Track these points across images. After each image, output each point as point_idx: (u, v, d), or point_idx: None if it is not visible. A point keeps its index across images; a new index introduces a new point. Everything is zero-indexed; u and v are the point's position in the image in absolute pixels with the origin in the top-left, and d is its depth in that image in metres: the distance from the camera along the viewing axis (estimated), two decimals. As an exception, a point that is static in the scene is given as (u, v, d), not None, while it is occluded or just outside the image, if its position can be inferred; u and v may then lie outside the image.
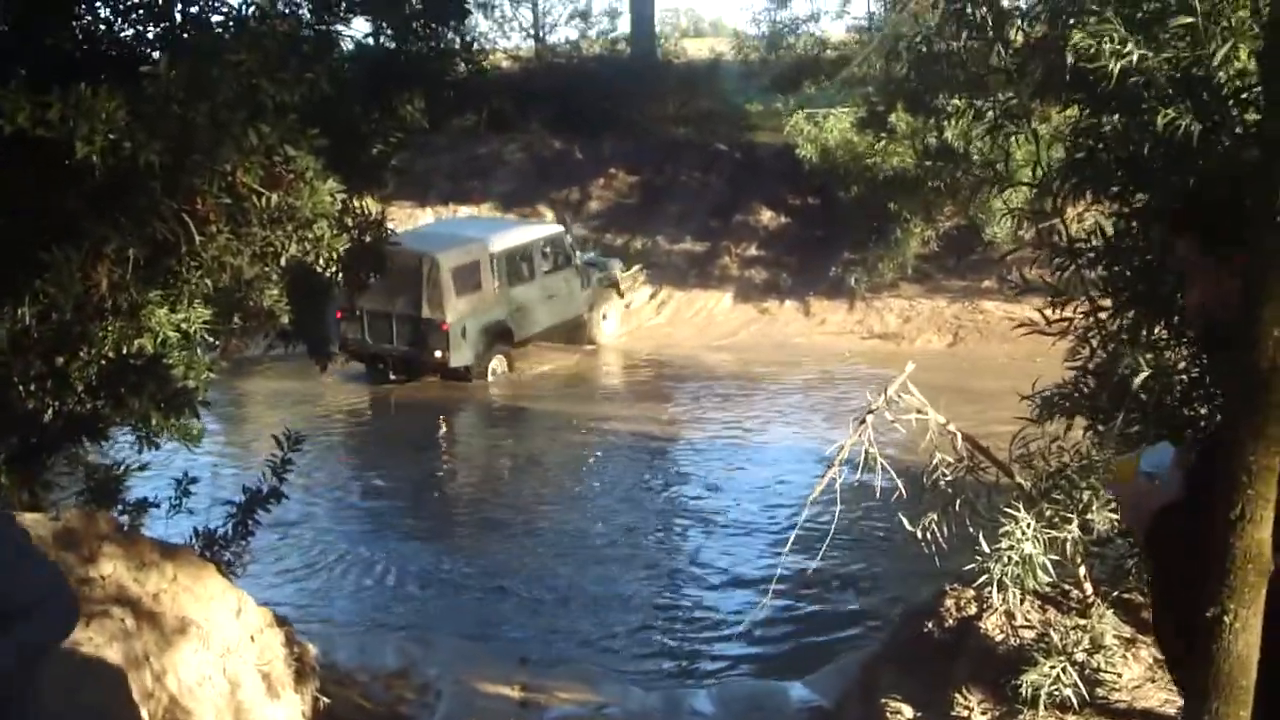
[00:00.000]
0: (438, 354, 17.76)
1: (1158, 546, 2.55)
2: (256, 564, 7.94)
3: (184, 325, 5.74)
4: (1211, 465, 2.43)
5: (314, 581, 11.24)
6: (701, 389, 18.61)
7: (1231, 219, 2.54)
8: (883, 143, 20.83)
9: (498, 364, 18.78)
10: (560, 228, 20.81)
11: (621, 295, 21.87)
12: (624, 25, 32.44)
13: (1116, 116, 5.16)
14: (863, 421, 7.03)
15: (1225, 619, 3.73)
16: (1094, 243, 5.45)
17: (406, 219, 23.94)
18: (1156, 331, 5.11)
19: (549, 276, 19.66)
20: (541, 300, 19.50)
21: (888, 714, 6.04)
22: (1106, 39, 4.67)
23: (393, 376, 18.44)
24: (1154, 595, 2.62)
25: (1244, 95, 4.64)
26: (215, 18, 5.47)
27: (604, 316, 21.30)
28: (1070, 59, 4.96)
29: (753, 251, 23.81)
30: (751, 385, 18.49)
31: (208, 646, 5.13)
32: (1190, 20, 4.53)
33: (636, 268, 23.76)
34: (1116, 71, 4.68)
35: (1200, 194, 2.67)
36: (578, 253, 20.79)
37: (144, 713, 4.42)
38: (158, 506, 7.14)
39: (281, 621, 5.89)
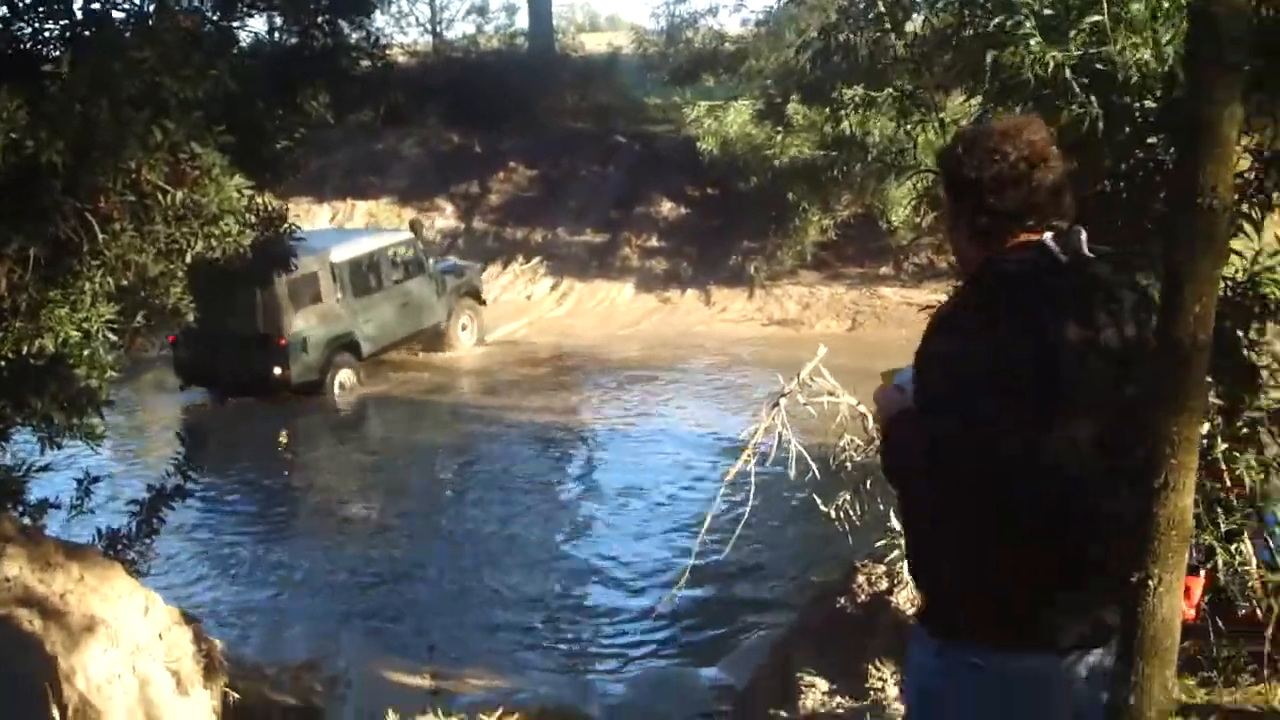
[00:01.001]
0: (277, 371, 16.70)
1: (892, 440, 2.96)
2: (159, 563, 7.86)
3: (86, 324, 5.67)
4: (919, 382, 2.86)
5: (215, 580, 11.10)
6: (603, 380, 18.59)
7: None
8: (780, 134, 21.06)
9: (345, 378, 17.76)
10: (410, 234, 19.79)
11: (483, 303, 21.06)
12: (521, 20, 32.44)
13: (1019, 109, 5.31)
14: (776, 405, 7.14)
15: (1150, 583, 3.87)
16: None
17: (305, 215, 23.72)
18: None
19: (399, 286, 18.76)
20: (392, 311, 18.63)
21: (801, 689, 6.13)
22: (1024, 46, 4.83)
23: (231, 400, 17.38)
24: (890, 480, 3.02)
25: (1145, 86, 4.82)
26: (116, 14, 5.43)
27: (463, 326, 20.34)
28: (989, 60, 5.10)
29: (653, 242, 23.93)
30: (654, 375, 18.46)
31: (116, 645, 5.10)
32: (1098, 18, 4.70)
33: (536, 260, 23.74)
34: (1033, 78, 4.84)
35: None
36: (431, 260, 19.95)
37: (54, 713, 4.40)
38: (59, 507, 7.05)
39: (189, 619, 5.86)
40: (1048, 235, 2.77)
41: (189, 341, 15.64)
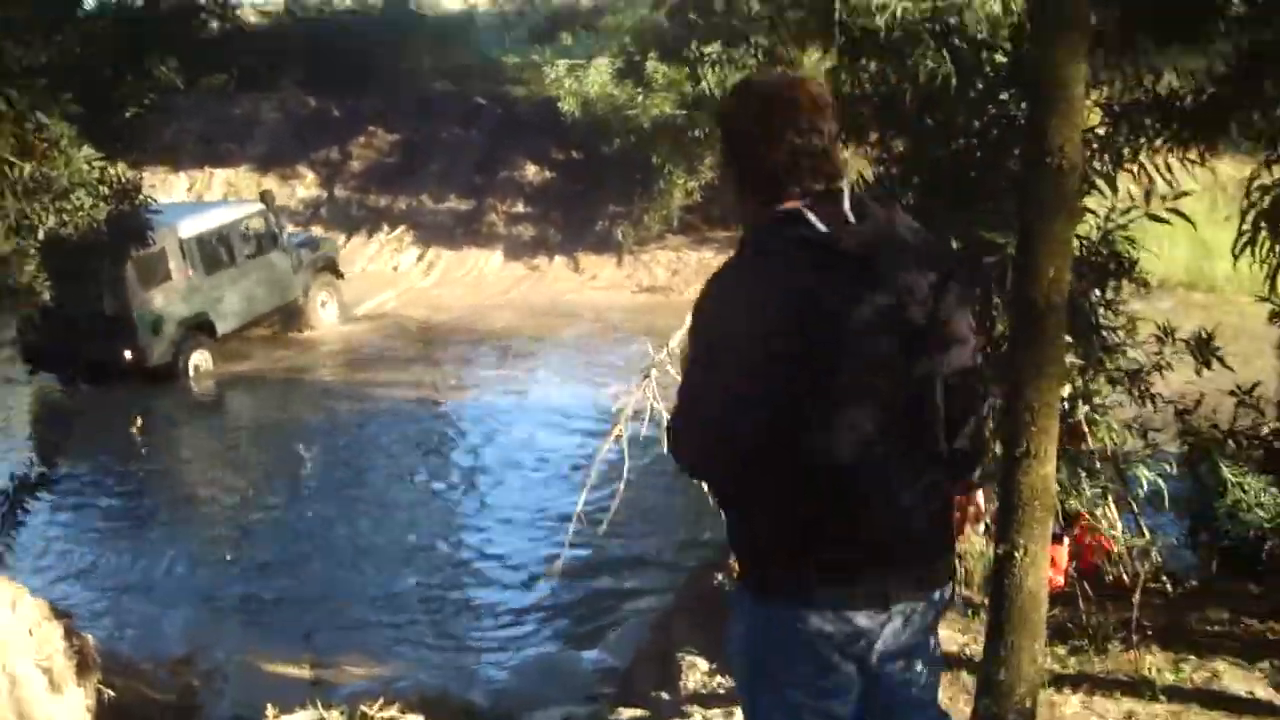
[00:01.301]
0: (128, 354, 16.04)
1: (681, 389, 2.91)
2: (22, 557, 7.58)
3: (-69, 306, 5.42)
4: None
5: (79, 575, 10.73)
6: (473, 353, 18.37)
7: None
8: (642, 94, 20.94)
9: (200, 359, 17.16)
10: (262, 206, 18.77)
11: (341, 276, 20.23)
12: (376, -20, 31.82)
13: (874, 63, 5.27)
14: (646, 376, 7.07)
15: (1015, 555, 3.88)
16: (856, 190, 5.56)
17: (161, 185, 23.05)
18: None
19: (252, 261, 18.01)
20: (247, 287, 17.90)
21: (683, 668, 6.08)
22: (876, -2, 4.78)
23: (82, 385, 16.49)
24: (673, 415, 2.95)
25: (995, 39, 4.81)
26: (-49, -24, 5.15)
27: (322, 303, 19.55)
28: (837, 9, 5.05)
29: (519, 208, 23.69)
30: (525, 346, 18.26)
31: (-19, 644, 4.88)
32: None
33: (401, 229, 23.37)
34: (882, 25, 4.78)
35: None
36: (285, 233, 19.11)
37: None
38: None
39: (59, 613, 5.67)
40: (804, 202, 2.71)
41: (35, 324, 14.60)
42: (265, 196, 19.32)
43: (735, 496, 2.85)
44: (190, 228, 16.93)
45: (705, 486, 2.89)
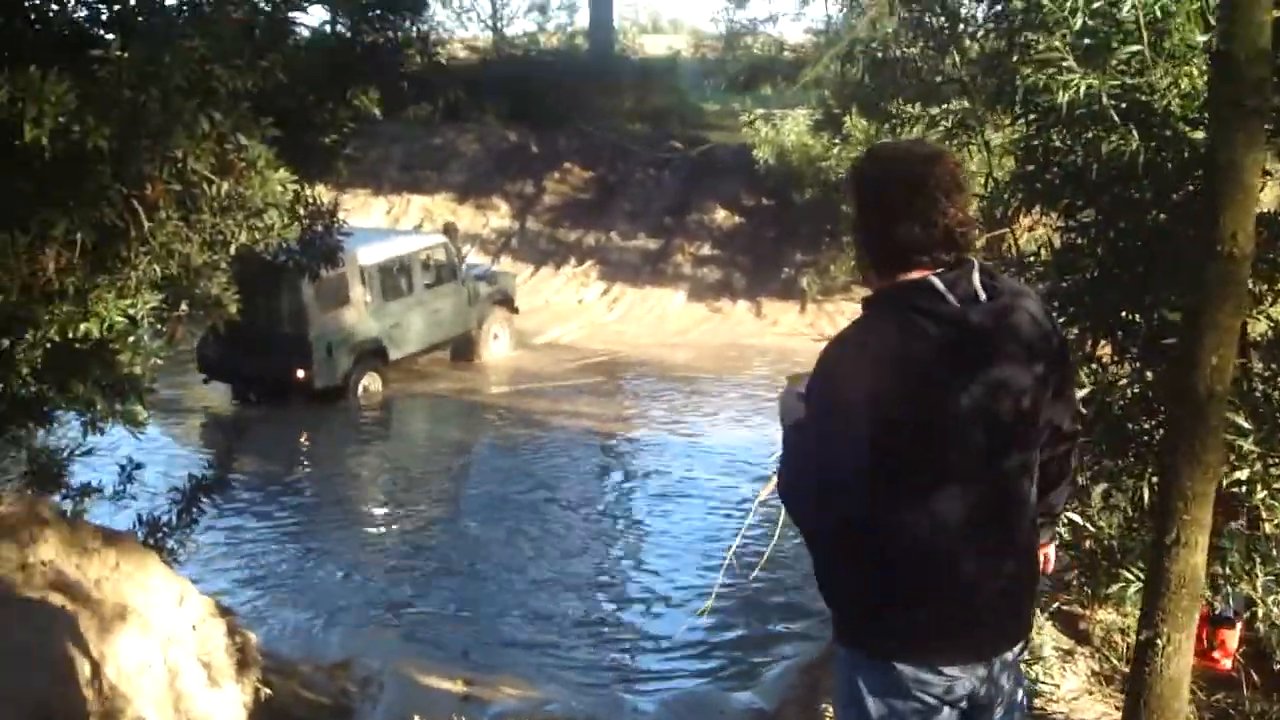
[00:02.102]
0: (300, 373, 16.28)
1: (787, 441, 2.98)
2: (198, 555, 7.88)
3: (131, 310, 5.68)
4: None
5: (248, 577, 11.11)
6: (649, 388, 18.55)
7: None
8: (837, 146, 20.92)
9: (370, 381, 17.36)
10: (443, 238, 19.02)
11: (515, 311, 20.38)
12: (582, 19, 32.52)
13: (1064, 133, 5.20)
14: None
15: (1158, 642, 3.79)
16: (1042, 255, 5.49)
17: (360, 208, 23.84)
18: (1101, 347, 5.17)
19: (430, 291, 18.22)
20: (421, 316, 18.09)
21: (827, 717, 6.06)
22: (1054, 70, 4.72)
23: (252, 398, 17.24)
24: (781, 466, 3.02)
25: (1190, 116, 4.70)
26: (169, 1, 5.43)
27: (494, 335, 19.77)
28: (1020, 87, 5.01)
29: (706, 250, 23.83)
30: (702, 385, 18.40)
31: (148, 634, 5.11)
32: (1137, 48, 4.59)
33: (588, 264, 23.68)
34: (1065, 101, 4.72)
35: None
36: (464, 266, 19.23)
37: (83, 698, 4.39)
38: (101, 492, 7.09)
39: (224, 611, 5.88)
40: (937, 274, 2.73)
41: (215, 336, 14.76)
42: (448, 229, 19.69)
43: (835, 554, 2.90)
44: (371, 255, 17.19)
45: (804, 541, 2.92)
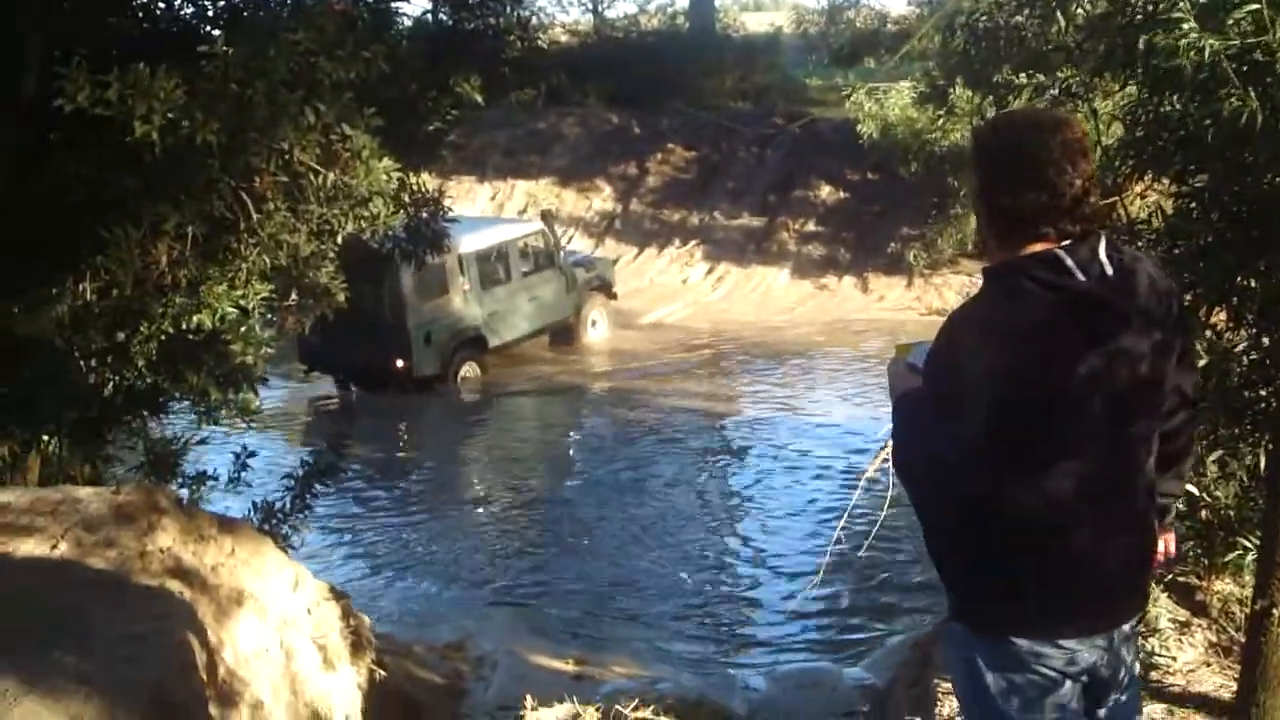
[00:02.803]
0: (400, 363, 16.42)
1: (899, 413, 2.96)
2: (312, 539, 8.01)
3: (242, 301, 5.79)
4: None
5: (368, 557, 11.30)
6: (756, 366, 18.48)
7: None
8: (942, 118, 20.65)
9: (469, 371, 17.46)
10: (541, 225, 18.96)
11: (614, 297, 20.30)
12: (682, 0, 32.37)
13: (1178, 98, 5.07)
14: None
15: (1275, 611, 3.70)
16: (1154, 223, 5.37)
17: (465, 194, 24.05)
18: (1216, 314, 5.04)
19: (529, 278, 18.24)
20: (520, 304, 18.16)
21: (939, 694, 6.00)
22: (1176, 31, 4.59)
23: (353, 388, 17.46)
24: (894, 439, 3.02)
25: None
26: (273, -4, 5.51)
27: (593, 322, 19.71)
28: (1142, 49, 4.88)
29: (810, 227, 23.69)
30: (810, 362, 18.32)
31: (265, 619, 5.18)
32: (1256, 6, 4.45)
33: (692, 243, 23.63)
34: (1188, 64, 4.59)
35: None
36: (562, 253, 19.30)
37: (201, 684, 4.47)
38: (216, 479, 7.22)
39: (339, 595, 5.94)
40: (1062, 247, 2.67)
41: (315, 327, 14.78)
42: (546, 216, 19.63)
43: (951, 529, 2.85)
44: (470, 244, 17.14)
45: (917, 514, 2.88)
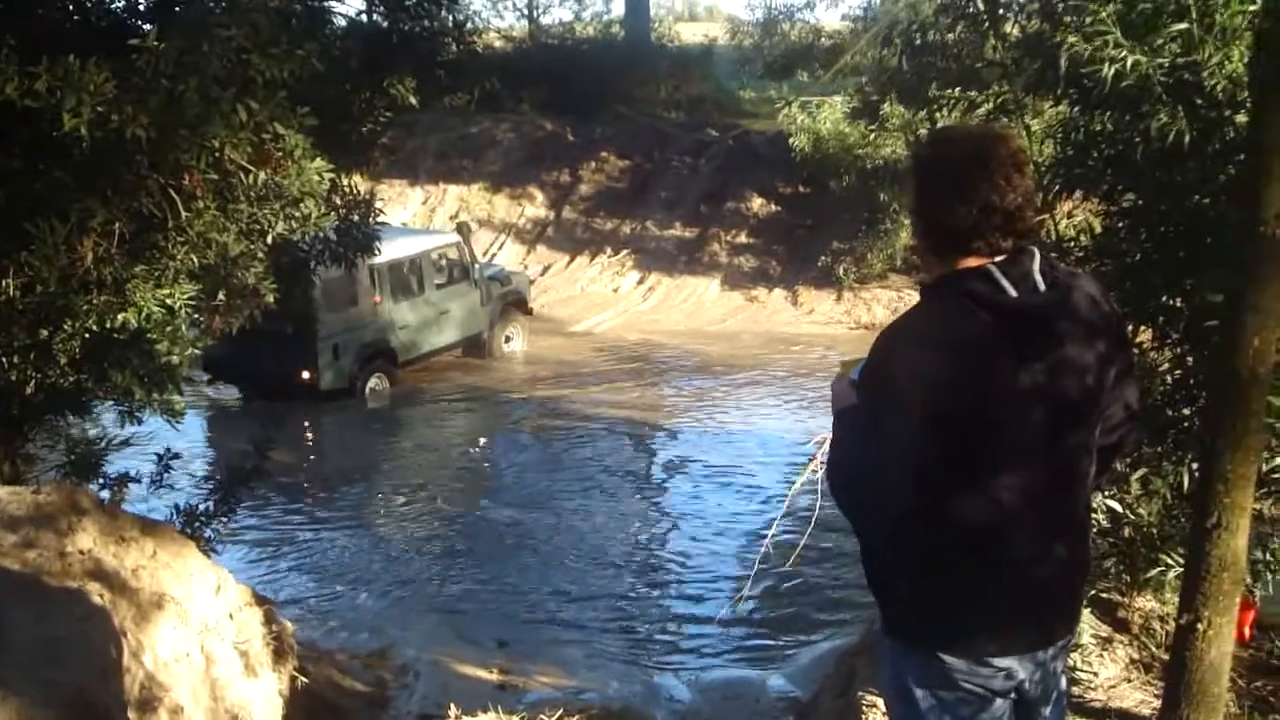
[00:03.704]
0: (305, 374, 16.04)
1: (837, 428, 2.90)
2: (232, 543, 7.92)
3: (169, 300, 5.72)
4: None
5: (282, 567, 11.17)
6: (683, 377, 18.50)
7: None
8: (874, 133, 20.84)
9: (376, 383, 17.01)
10: (457, 237, 18.61)
11: (529, 313, 20.05)
12: (618, 8, 32.54)
13: (1108, 116, 5.15)
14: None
15: (1199, 626, 3.76)
16: (1083, 241, 5.45)
17: (397, 198, 23.93)
18: (1141, 333, 5.12)
19: (441, 291, 17.97)
20: (432, 318, 17.86)
21: (863, 707, 6.02)
22: (1101, 43, 4.66)
23: (257, 399, 16.86)
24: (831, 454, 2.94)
25: (1236, 99, 4.63)
26: (207, -9, 5.44)
27: (507, 338, 19.42)
28: (1064, 61, 4.95)
29: (742, 239, 23.80)
30: (738, 374, 18.31)
31: (186, 623, 5.11)
32: (1184, 26, 4.52)
33: (624, 253, 23.65)
34: (1110, 76, 4.66)
35: None
36: (477, 266, 18.85)
37: (120, 688, 4.41)
38: (139, 482, 7.11)
39: (261, 600, 5.88)
40: (995, 263, 2.69)
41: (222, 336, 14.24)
42: (461, 229, 19.23)
43: (885, 544, 2.86)
44: (382, 254, 16.76)
45: (854, 530, 2.88)
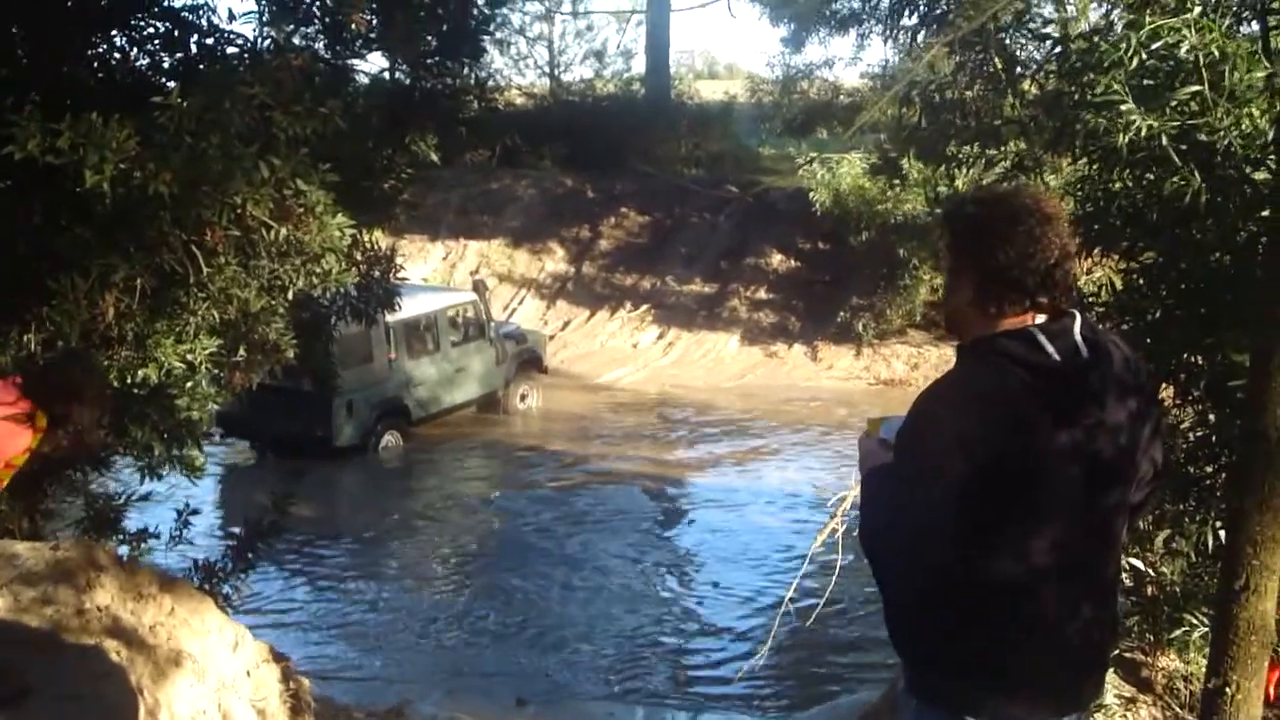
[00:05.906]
0: (319, 432, 15.89)
1: (867, 486, 2.91)
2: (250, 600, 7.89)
3: (189, 356, 5.71)
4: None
5: (301, 625, 11.12)
6: (703, 432, 18.44)
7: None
8: (895, 189, 20.87)
9: (391, 440, 16.88)
10: (473, 295, 18.54)
11: (544, 371, 19.95)
12: (639, 65, 32.66)
13: (1126, 174, 5.14)
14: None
15: (1227, 690, 3.70)
16: (1103, 297, 5.43)
17: (418, 253, 24.01)
18: (1163, 390, 5.09)
19: (457, 349, 17.86)
20: (447, 376, 17.73)
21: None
22: (1113, 112, 4.65)
23: (270, 455, 16.68)
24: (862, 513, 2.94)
25: (1254, 156, 4.61)
26: (230, 49, 5.48)
27: (522, 396, 19.23)
28: (1080, 128, 4.95)
29: (761, 294, 23.79)
30: (757, 429, 18.30)
31: (203, 680, 5.08)
32: (1196, 89, 4.51)
33: (644, 308, 23.67)
34: (1125, 143, 4.65)
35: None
36: (493, 324, 18.73)
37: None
38: (158, 537, 7.11)
39: (279, 657, 5.85)
40: (1038, 322, 2.69)
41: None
42: (478, 287, 19.18)
43: (915, 603, 2.81)
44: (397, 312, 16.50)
45: (881, 587, 2.85)
